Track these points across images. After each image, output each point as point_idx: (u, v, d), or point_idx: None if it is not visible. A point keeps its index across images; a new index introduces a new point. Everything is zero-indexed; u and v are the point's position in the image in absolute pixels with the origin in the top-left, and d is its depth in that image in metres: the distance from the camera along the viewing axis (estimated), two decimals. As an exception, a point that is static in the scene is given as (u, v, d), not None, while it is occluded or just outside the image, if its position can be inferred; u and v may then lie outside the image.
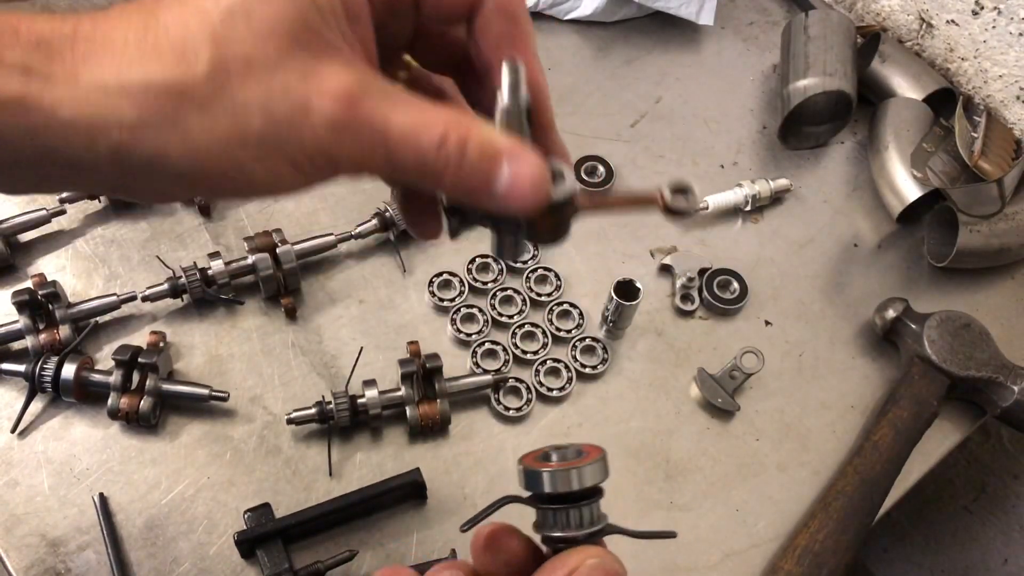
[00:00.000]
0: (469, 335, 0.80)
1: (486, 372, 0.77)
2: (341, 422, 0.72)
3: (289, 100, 0.32)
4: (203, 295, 0.78)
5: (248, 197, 0.37)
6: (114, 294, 0.76)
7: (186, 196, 0.38)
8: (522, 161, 0.35)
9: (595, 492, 0.38)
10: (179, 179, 0.33)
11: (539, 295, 0.83)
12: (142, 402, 0.71)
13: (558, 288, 0.83)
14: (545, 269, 0.84)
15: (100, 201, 0.83)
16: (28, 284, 0.75)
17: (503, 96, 0.36)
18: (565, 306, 0.82)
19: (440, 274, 0.82)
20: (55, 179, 0.33)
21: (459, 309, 0.81)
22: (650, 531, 0.38)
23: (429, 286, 0.82)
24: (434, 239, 0.43)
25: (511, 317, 0.81)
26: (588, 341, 0.80)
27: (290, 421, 0.72)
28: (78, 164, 0.32)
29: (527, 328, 0.80)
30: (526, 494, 0.38)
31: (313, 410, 0.72)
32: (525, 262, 0.84)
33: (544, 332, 0.80)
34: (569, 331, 0.81)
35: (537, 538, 0.38)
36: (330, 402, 0.72)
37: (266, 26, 0.32)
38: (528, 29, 0.38)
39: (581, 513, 0.37)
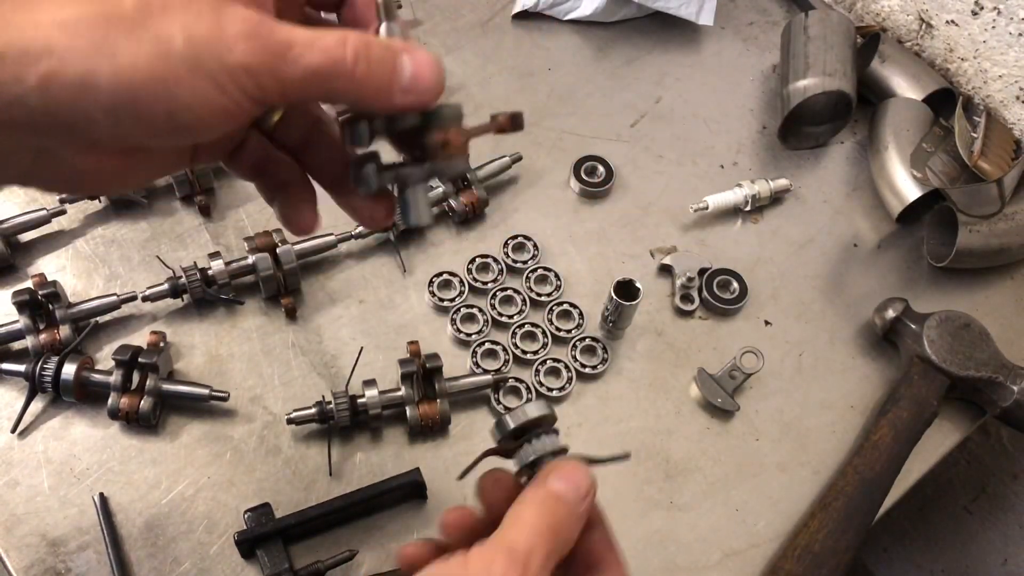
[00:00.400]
0: (469, 335, 0.80)
1: (486, 372, 0.77)
2: (341, 422, 0.72)
3: (205, 24, 0.35)
4: (203, 295, 0.78)
5: (180, 132, 0.37)
6: (114, 294, 0.76)
7: (120, 143, 0.38)
8: (419, 52, 0.39)
9: (546, 423, 0.46)
10: (108, 110, 0.34)
11: (539, 295, 0.83)
12: (142, 402, 0.71)
13: (558, 288, 0.83)
14: (545, 269, 0.84)
15: (100, 201, 0.83)
16: (28, 284, 0.75)
17: (383, 20, 0.41)
18: (565, 306, 0.82)
19: (440, 274, 0.83)
20: None
21: (459, 309, 0.81)
22: (607, 456, 0.46)
23: (429, 286, 0.82)
24: (308, 232, 0.47)
25: (511, 317, 0.81)
26: (588, 341, 0.80)
27: (290, 421, 0.72)
28: (6, 106, 0.33)
29: (527, 328, 0.80)
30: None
31: (313, 410, 0.72)
32: (530, 266, 0.84)
33: (544, 332, 0.80)
34: (569, 331, 0.81)
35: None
36: (330, 402, 0.72)
37: None
38: None
39: (542, 440, 0.45)
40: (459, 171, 0.43)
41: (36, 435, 0.72)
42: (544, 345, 0.80)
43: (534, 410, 0.46)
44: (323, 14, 0.46)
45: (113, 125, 0.35)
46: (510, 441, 0.46)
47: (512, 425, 0.45)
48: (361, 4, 0.44)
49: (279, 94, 0.37)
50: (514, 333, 0.80)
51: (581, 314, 0.82)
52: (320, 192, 0.77)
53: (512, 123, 0.43)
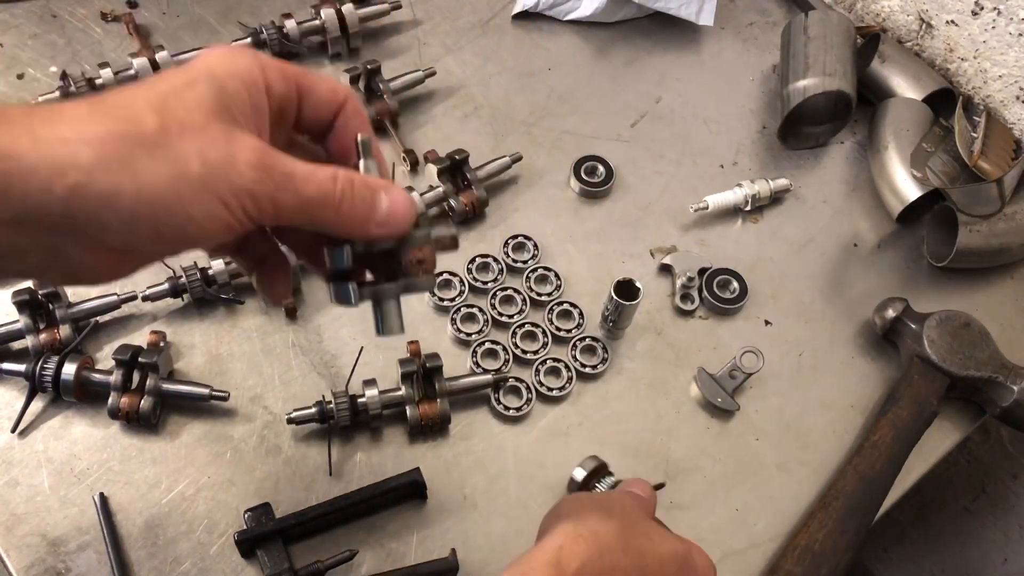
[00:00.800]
0: (469, 335, 0.80)
1: (486, 372, 0.77)
2: (341, 422, 0.72)
3: (218, 150, 0.40)
4: (203, 295, 0.78)
5: (184, 242, 0.42)
6: (114, 294, 0.76)
7: (126, 247, 0.41)
8: (394, 190, 0.46)
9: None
10: (127, 222, 0.38)
11: (539, 295, 0.83)
12: (142, 402, 0.71)
13: (558, 288, 0.83)
14: (545, 269, 0.84)
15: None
16: (28, 284, 0.75)
17: (362, 157, 0.48)
18: (565, 306, 0.82)
19: (440, 273, 0.82)
20: (3, 242, 0.38)
21: (459, 309, 0.81)
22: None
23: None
24: (283, 301, 0.55)
25: (511, 317, 0.81)
26: (588, 341, 0.80)
27: (290, 421, 0.72)
28: (30, 212, 0.37)
29: (527, 328, 0.80)
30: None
31: (313, 410, 0.72)
32: (530, 266, 0.84)
33: (544, 332, 0.80)
34: (569, 331, 0.81)
35: None
36: (330, 402, 0.72)
37: (193, 104, 0.40)
38: (365, 120, 0.50)
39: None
40: (429, 287, 0.49)
41: (36, 435, 0.72)
42: (544, 345, 0.80)
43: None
44: (304, 139, 0.51)
45: (128, 233, 0.39)
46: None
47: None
48: (344, 138, 0.49)
49: (273, 216, 0.42)
50: (514, 333, 0.80)
51: (581, 314, 0.82)
52: None
53: (453, 243, 0.49)
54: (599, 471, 0.70)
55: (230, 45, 0.48)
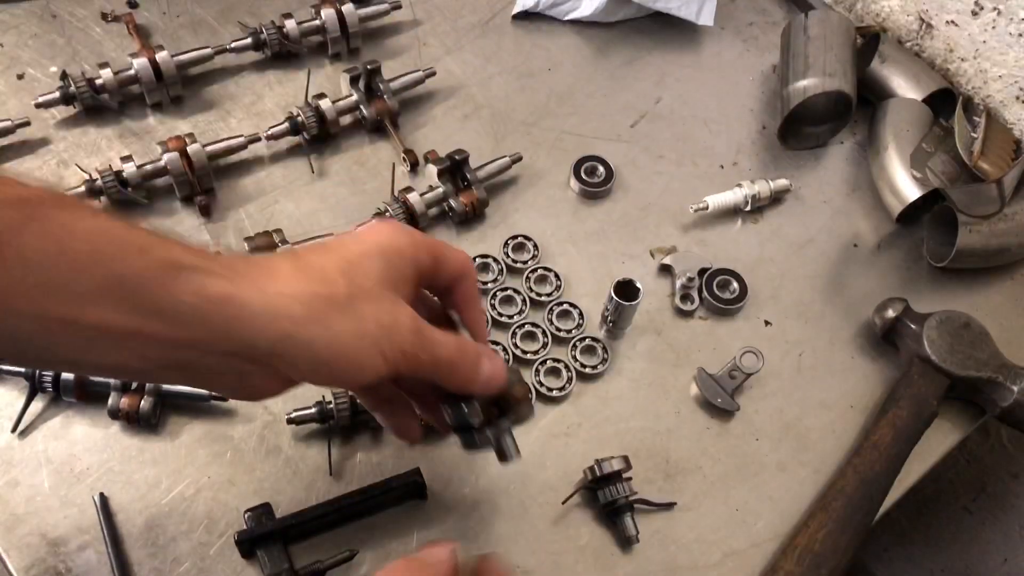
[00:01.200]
0: (469, 335, 0.80)
1: (486, 372, 0.77)
2: (341, 422, 0.72)
3: (388, 316, 0.50)
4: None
5: (344, 382, 0.57)
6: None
7: (298, 382, 0.52)
8: (495, 359, 0.57)
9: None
10: (313, 364, 0.48)
11: (539, 295, 0.83)
12: (142, 402, 0.71)
13: (558, 288, 0.83)
14: (545, 269, 0.84)
15: (100, 201, 0.83)
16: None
17: (460, 331, 0.60)
18: (565, 306, 0.82)
19: (440, 274, 0.82)
20: (212, 366, 0.48)
21: (459, 309, 0.81)
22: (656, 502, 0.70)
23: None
24: (416, 442, 0.65)
25: (511, 317, 0.81)
26: (588, 341, 0.80)
27: (290, 421, 0.72)
28: (245, 348, 0.46)
29: (527, 328, 0.80)
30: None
31: (313, 410, 0.72)
32: (530, 266, 0.85)
33: (544, 332, 0.81)
34: (569, 331, 0.81)
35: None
36: (330, 402, 0.72)
37: (371, 274, 0.51)
38: (476, 290, 0.60)
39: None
40: (530, 413, 0.62)
41: (36, 435, 0.72)
42: (544, 345, 0.80)
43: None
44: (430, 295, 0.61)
45: (309, 372, 0.49)
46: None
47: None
48: (458, 299, 0.59)
49: (411, 370, 0.52)
50: (514, 333, 0.80)
51: (581, 314, 0.82)
52: (321, 191, 0.82)
53: (526, 397, 0.61)
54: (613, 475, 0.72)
55: (393, 223, 0.56)
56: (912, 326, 0.81)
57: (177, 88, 0.89)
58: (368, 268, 0.51)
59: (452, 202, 0.85)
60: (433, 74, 0.94)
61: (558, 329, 0.81)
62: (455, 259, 0.57)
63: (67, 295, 0.41)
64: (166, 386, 0.72)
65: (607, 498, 0.71)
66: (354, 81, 0.90)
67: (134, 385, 0.72)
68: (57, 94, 0.85)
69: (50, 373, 0.70)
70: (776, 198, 0.92)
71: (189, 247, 0.46)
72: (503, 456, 0.60)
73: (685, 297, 0.85)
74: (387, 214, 0.82)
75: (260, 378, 0.50)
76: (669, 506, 0.74)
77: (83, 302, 0.42)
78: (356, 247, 0.52)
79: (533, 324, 0.81)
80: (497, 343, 0.79)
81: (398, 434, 0.64)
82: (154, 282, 0.43)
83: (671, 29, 1.04)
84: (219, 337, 0.45)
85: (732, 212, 0.92)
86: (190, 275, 0.44)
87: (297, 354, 0.47)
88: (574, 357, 0.80)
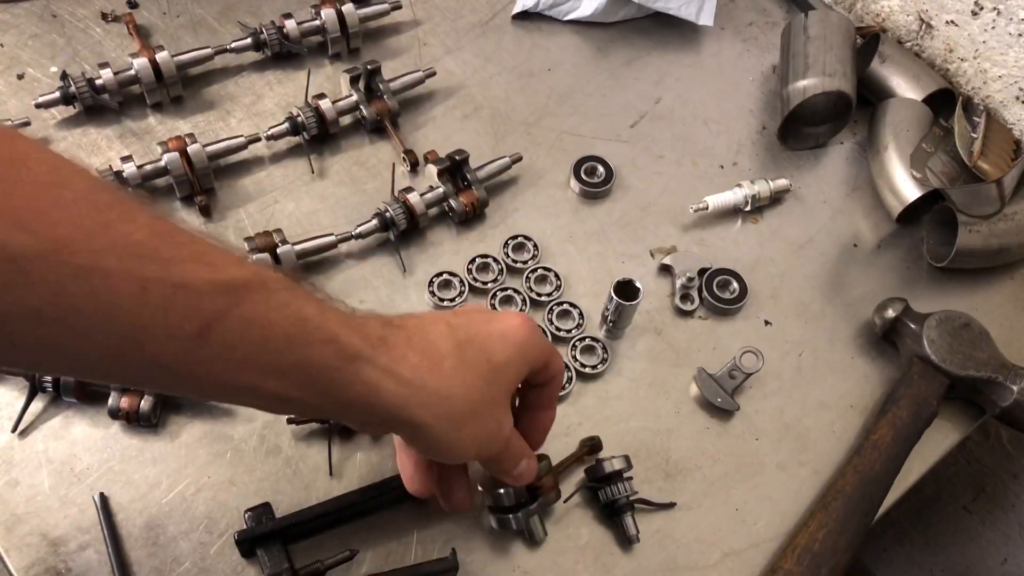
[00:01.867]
0: (469, 335, 0.80)
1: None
2: (341, 422, 0.72)
3: (497, 425, 0.57)
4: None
5: (440, 457, 0.59)
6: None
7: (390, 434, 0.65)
8: (532, 460, 0.63)
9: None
10: (427, 449, 0.56)
11: (539, 295, 0.83)
12: (143, 402, 0.71)
13: (558, 288, 0.83)
14: (545, 269, 0.84)
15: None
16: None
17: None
18: (565, 306, 0.82)
19: (440, 274, 0.83)
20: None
21: (459, 309, 0.81)
22: (656, 502, 0.75)
23: (429, 286, 0.82)
24: (467, 510, 0.66)
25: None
26: (588, 341, 0.80)
27: (290, 421, 0.72)
28: (391, 427, 0.56)
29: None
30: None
31: (313, 410, 0.72)
32: (530, 266, 0.85)
33: (544, 332, 0.81)
34: (569, 331, 0.81)
35: None
36: None
37: (507, 383, 0.57)
38: (557, 394, 0.64)
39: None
40: (556, 499, 0.71)
41: (36, 435, 0.72)
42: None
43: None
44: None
45: (420, 449, 0.58)
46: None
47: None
48: (541, 402, 0.64)
49: (481, 461, 0.60)
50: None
51: (581, 314, 0.82)
52: (321, 191, 0.83)
53: (554, 488, 0.71)
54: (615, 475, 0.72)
55: (531, 323, 0.58)
56: (912, 326, 0.81)
57: (177, 88, 0.89)
58: (506, 378, 0.56)
59: (452, 202, 0.85)
60: (433, 74, 0.94)
61: (558, 329, 0.81)
62: (556, 366, 0.61)
63: (256, 371, 0.45)
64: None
65: (607, 498, 0.71)
66: (354, 81, 0.90)
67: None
68: (57, 94, 0.85)
69: (50, 373, 0.70)
70: (776, 198, 0.92)
71: (366, 331, 0.50)
72: (531, 539, 0.70)
73: (685, 297, 0.85)
74: (387, 214, 0.82)
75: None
76: (669, 506, 0.74)
77: (267, 377, 0.46)
78: (503, 350, 0.55)
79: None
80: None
81: (446, 502, 0.65)
82: (335, 371, 0.48)
83: (671, 29, 1.04)
84: (374, 418, 0.52)
85: (732, 212, 0.92)
86: (364, 368, 0.49)
87: (422, 438, 0.53)
88: (574, 357, 0.80)
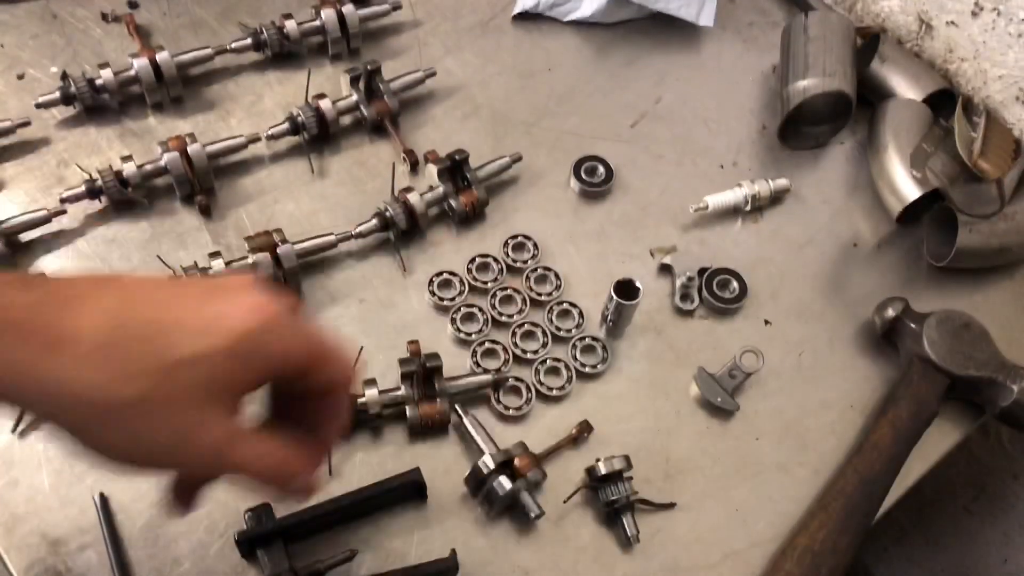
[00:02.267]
0: (469, 334, 0.80)
1: (486, 371, 0.77)
2: (341, 422, 0.72)
3: (171, 431, 0.43)
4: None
5: (101, 463, 0.46)
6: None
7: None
8: (303, 476, 0.50)
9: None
10: (107, 460, 0.45)
11: (539, 295, 0.83)
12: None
13: (558, 288, 0.83)
14: (545, 269, 0.84)
15: (100, 201, 0.83)
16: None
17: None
18: (565, 305, 0.82)
19: (440, 273, 0.83)
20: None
21: (459, 308, 0.81)
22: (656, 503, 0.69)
23: (429, 285, 0.82)
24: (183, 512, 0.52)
25: (511, 317, 0.81)
26: (588, 340, 0.80)
27: None
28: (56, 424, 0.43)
29: (527, 328, 0.80)
30: None
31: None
32: (530, 266, 0.85)
33: (544, 332, 0.81)
34: (569, 331, 0.81)
35: None
36: None
37: (197, 380, 0.43)
38: (343, 407, 0.51)
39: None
40: (542, 477, 0.71)
41: (36, 435, 0.72)
42: (544, 344, 0.80)
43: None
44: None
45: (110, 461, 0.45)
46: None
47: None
48: (322, 415, 0.51)
49: (194, 471, 0.49)
50: (514, 333, 0.80)
51: (581, 313, 0.82)
52: (321, 191, 0.81)
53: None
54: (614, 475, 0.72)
55: (270, 304, 0.46)
56: (912, 326, 0.81)
57: (177, 88, 0.89)
58: (201, 377, 0.43)
59: (452, 202, 0.85)
60: (433, 74, 0.94)
61: (558, 329, 0.81)
62: (334, 372, 0.49)
63: None
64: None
65: (607, 498, 0.71)
66: (354, 81, 0.90)
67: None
68: (57, 94, 0.85)
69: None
70: (776, 198, 0.92)
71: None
72: (528, 515, 0.70)
73: (685, 297, 0.85)
74: (387, 214, 0.82)
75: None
76: (669, 506, 0.74)
77: None
78: (194, 343, 0.43)
79: (533, 324, 0.81)
80: (497, 343, 0.79)
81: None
82: None
83: (671, 29, 1.04)
84: (29, 405, 0.44)
85: (732, 212, 0.92)
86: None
87: (67, 437, 0.43)
88: (574, 356, 0.80)
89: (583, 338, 0.81)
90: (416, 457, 0.74)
